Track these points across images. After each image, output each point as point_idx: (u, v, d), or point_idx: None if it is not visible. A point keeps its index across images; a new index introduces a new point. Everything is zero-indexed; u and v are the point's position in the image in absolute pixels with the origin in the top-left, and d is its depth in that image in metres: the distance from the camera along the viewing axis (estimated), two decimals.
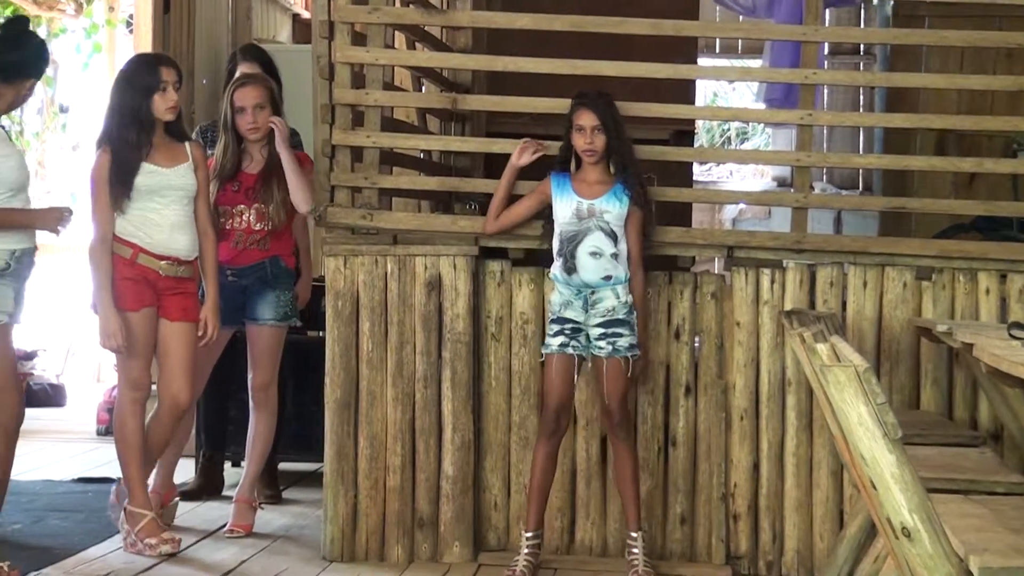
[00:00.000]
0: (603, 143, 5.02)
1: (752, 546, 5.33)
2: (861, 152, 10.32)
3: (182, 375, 5.29)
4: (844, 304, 5.31)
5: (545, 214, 5.17)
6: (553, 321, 5.03)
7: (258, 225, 5.61)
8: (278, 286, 5.66)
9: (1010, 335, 3.90)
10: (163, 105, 5.21)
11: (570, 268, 4.99)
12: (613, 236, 5.00)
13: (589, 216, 5.00)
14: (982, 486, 3.72)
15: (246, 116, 5.55)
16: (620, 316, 4.97)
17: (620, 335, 4.97)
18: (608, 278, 4.98)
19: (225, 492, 6.29)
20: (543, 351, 5.06)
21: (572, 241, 4.99)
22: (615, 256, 4.98)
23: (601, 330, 4.97)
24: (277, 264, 5.66)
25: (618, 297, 4.98)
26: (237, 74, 6.06)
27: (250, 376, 5.74)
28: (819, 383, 2.93)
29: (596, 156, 5.03)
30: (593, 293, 4.98)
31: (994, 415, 5.15)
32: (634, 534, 5.09)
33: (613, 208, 5.00)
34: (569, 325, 5.00)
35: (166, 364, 5.29)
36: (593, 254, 4.98)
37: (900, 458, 2.64)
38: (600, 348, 4.98)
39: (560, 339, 4.99)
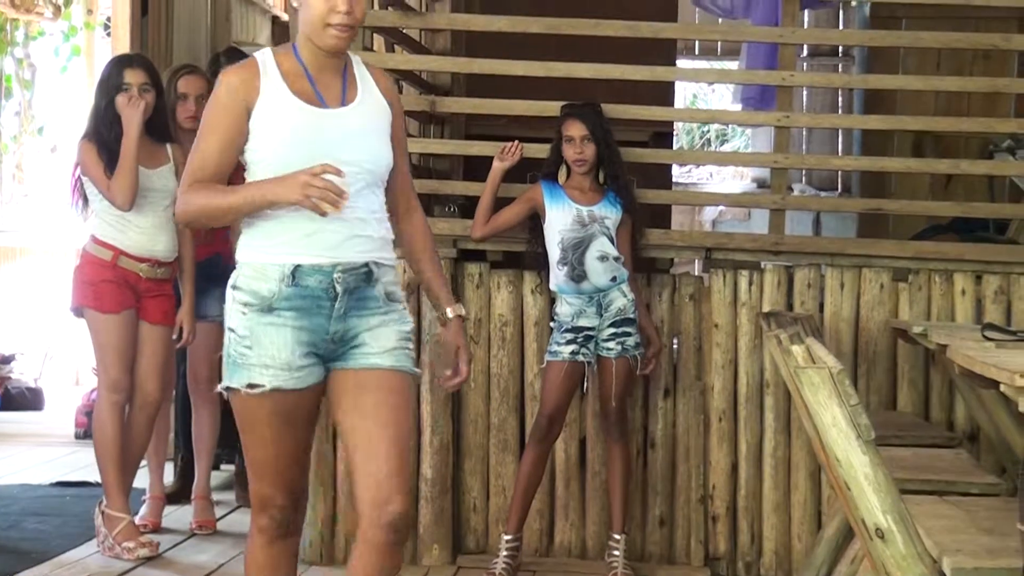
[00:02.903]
0: (593, 152, 5.05)
1: (731, 548, 5.34)
2: (840, 153, 10.35)
3: (156, 375, 5.32)
4: (821, 306, 5.33)
5: (530, 222, 5.19)
6: (566, 331, 5.03)
7: None
8: (222, 283, 5.67)
9: (984, 336, 3.91)
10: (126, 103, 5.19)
11: (579, 275, 5.00)
12: (612, 240, 5.04)
13: (591, 222, 5.02)
14: (957, 487, 3.75)
15: (188, 104, 5.59)
16: (630, 315, 5.01)
17: (629, 334, 5.01)
18: (614, 279, 5.01)
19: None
20: (548, 358, 5.06)
21: (578, 248, 5.01)
22: (617, 259, 5.02)
23: (612, 330, 5.00)
24: (220, 261, 5.69)
25: (625, 296, 5.02)
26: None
27: (191, 372, 5.78)
28: (795, 385, 2.95)
29: (587, 166, 5.06)
30: (604, 296, 5.01)
31: (970, 416, 5.18)
32: (617, 536, 5.10)
33: (611, 214, 5.05)
34: (583, 333, 5.01)
35: (141, 364, 5.29)
36: (601, 258, 5.00)
37: (873, 459, 2.66)
38: (609, 349, 5.01)
39: (572, 347, 4.99)
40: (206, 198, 3.29)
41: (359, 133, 3.32)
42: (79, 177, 5.33)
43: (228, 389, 3.31)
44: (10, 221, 10.80)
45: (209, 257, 5.66)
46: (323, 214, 3.13)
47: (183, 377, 5.97)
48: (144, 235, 5.27)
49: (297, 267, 3.25)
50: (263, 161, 3.28)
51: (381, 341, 3.31)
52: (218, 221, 3.42)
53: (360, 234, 3.30)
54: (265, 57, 3.33)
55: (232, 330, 3.32)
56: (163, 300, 5.33)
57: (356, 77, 3.38)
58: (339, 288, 3.25)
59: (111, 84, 5.24)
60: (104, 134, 5.20)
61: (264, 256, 3.29)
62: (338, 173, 3.13)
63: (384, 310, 3.33)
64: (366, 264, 3.30)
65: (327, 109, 3.28)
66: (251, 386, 3.24)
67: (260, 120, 3.27)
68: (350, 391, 3.28)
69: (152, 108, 5.23)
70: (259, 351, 3.24)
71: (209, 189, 3.28)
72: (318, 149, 3.22)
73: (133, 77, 5.23)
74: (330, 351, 3.28)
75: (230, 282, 3.37)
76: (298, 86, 3.29)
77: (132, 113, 5.13)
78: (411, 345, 3.38)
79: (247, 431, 3.31)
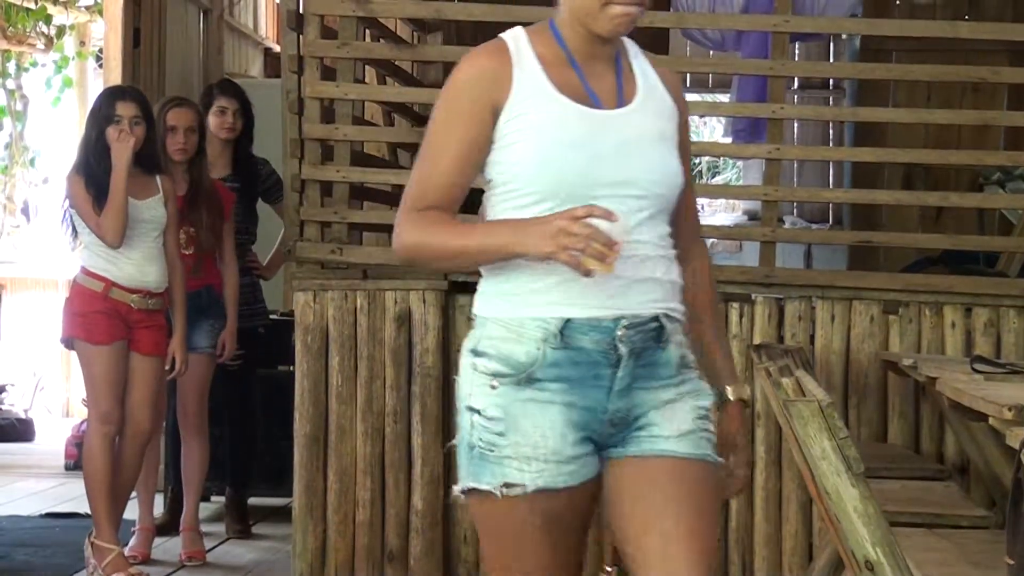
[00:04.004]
0: None
1: None
2: (831, 185, 10.37)
3: (147, 406, 5.32)
4: (812, 338, 5.33)
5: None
6: None
7: (188, 249, 5.63)
8: (212, 315, 5.73)
9: (973, 369, 3.92)
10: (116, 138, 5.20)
11: None
12: None
13: None
14: (946, 520, 3.75)
15: (177, 137, 5.62)
16: None
17: None
18: None
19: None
20: None
21: None
22: None
23: None
24: (211, 293, 5.73)
25: None
26: (213, 107, 6.11)
27: (180, 404, 5.81)
28: (784, 418, 2.95)
29: None
30: None
31: (960, 448, 5.17)
32: (609, 568, 5.09)
33: None
34: None
35: (132, 395, 5.29)
36: None
37: (863, 492, 2.66)
38: None
39: None
40: (427, 234, 2.46)
41: (645, 143, 2.47)
42: (67, 210, 5.35)
43: (471, 491, 2.51)
44: (0, 252, 10.80)
45: (199, 289, 5.67)
46: (587, 273, 2.29)
47: (173, 409, 5.97)
48: (134, 266, 5.27)
49: (567, 322, 2.41)
50: (513, 183, 2.46)
51: (675, 422, 2.46)
52: (442, 265, 2.77)
53: (649, 276, 2.46)
54: (518, 38, 2.49)
55: (475, 411, 2.49)
56: (154, 331, 5.33)
57: (633, 68, 2.55)
58: (623, 350, 2.43)
59: (102, 116, 5.25)
60: (93, 166, 5.20)
61: (519, 308, 2.44)
62: (608, 217, 2.29)
63: (677, 380, 2.49)
64: (656, 318, 2.46)
65: (603, 110, 2.45)
66: (507, 486, 2.42)
67: (512, 126, 2.44)
68: (636, 488, 2.44)
69: (142, 141, 5.24)
70: (516, 438, 2.42)
71: (433, 223, 2.46)
72: (594, 167, 2.41)
73: (125, 110, 5.24)
74: (607, 436, 2.45)
75: (468, 345, 2.53)
76: (563, 79, 2.45)
77: (122, 148, 5.14)
78: (712, 426, 2.52)
79: (498, 542, 2.49)
